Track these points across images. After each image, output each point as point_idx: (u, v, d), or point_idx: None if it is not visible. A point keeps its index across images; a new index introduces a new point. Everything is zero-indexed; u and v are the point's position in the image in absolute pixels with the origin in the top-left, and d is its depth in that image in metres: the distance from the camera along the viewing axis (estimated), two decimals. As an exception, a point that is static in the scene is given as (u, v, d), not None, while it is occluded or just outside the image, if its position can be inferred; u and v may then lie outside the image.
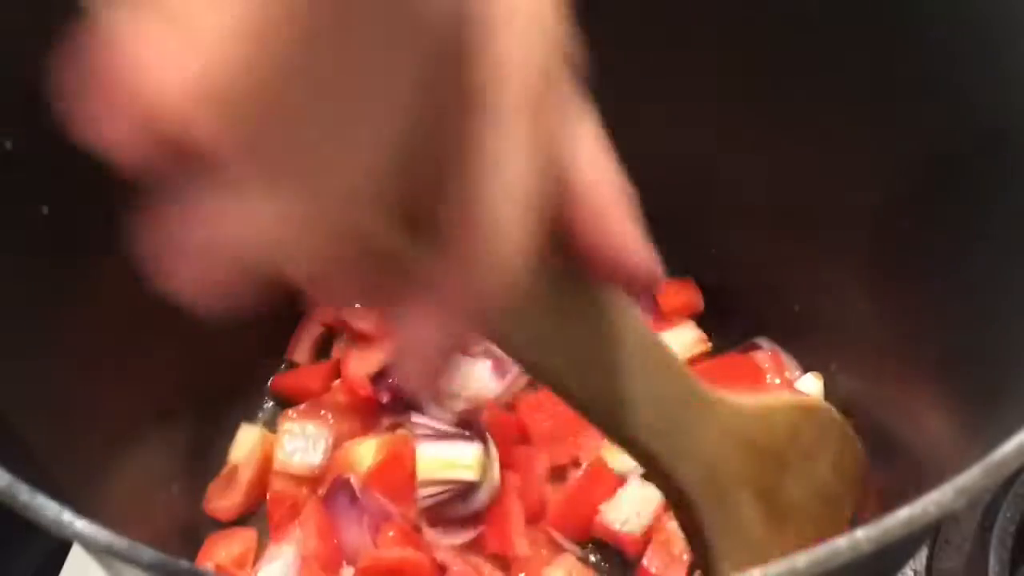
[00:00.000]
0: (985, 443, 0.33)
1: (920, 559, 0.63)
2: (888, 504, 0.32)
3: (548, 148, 0.25)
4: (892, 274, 0.55)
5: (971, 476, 0.32)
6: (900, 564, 0.56)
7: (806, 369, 0.67)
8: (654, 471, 0.39)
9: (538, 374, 0.35)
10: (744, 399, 0.41)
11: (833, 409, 0.49)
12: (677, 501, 0.41)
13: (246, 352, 0.69)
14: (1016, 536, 0.60)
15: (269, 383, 0.71)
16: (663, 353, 0.36)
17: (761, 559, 0.34)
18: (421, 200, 0.23)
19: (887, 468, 0.55)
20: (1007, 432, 0.33)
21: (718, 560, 0.42)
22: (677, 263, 0.68)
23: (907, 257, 0.54)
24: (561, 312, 0.32)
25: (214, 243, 0.21)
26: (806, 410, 0.46)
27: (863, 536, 0.31)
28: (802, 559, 0.31)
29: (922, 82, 0.50)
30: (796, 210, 0.61)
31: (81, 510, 0.33)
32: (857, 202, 0.57)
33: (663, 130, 0.59)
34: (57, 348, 0.48)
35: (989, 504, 0.61)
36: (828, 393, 0.64)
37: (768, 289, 0.67)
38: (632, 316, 0.34)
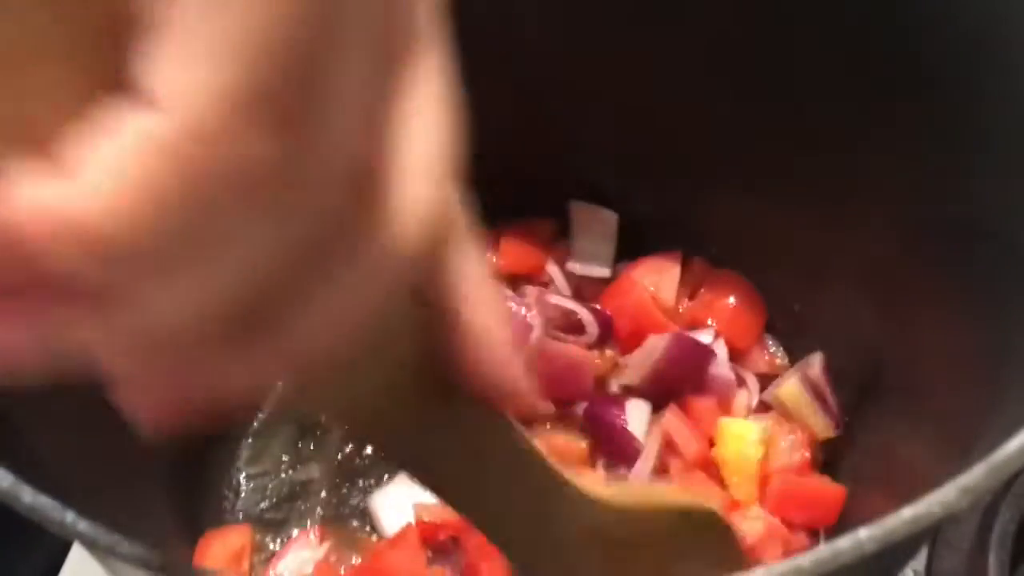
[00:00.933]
0: (988, 442, 0.33)
1: (920, 560, 0.63)
2: (890, 505, 0.32)
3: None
4: (891, 273, 0.56)
5: (975, 475, 0.32)
6: (901, 564, 0.56)
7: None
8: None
9: (417, 477, 0.36)
10: (620, 496, 0.40)
11: (717, 511, 0.47)
12: None
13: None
14: (1016, 537, 0.60)
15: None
16: (532, 460, 0.36)
17: None
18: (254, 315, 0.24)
19: (889, 467, 0.55)
20: (1010, 430, 0.33)
21: None
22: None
23: (907, 257, 0.54)
24: (435, 422, 0.32)
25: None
26: (687, 512, 0.45)
27: (866, 535, 0.31)
28: (806, 559, 0.31)
29: (926, 81, 0.50)
30: (793, 207, 0.61)
31: (82, 511, 0.33)
32: (857, 200, 0.57)
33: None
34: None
35: (989, 505, 0.62)
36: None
37: (768, 288, 0.68)
38: (504, 428, 0.34)
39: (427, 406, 0.31)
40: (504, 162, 0.67)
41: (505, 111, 0.65)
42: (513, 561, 0.41)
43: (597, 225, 0.71)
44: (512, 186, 0.68)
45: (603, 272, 0.70)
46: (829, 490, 0.61)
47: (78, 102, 0.21)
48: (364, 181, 0.24)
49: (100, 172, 0.20)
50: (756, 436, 0.61)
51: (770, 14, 0.56)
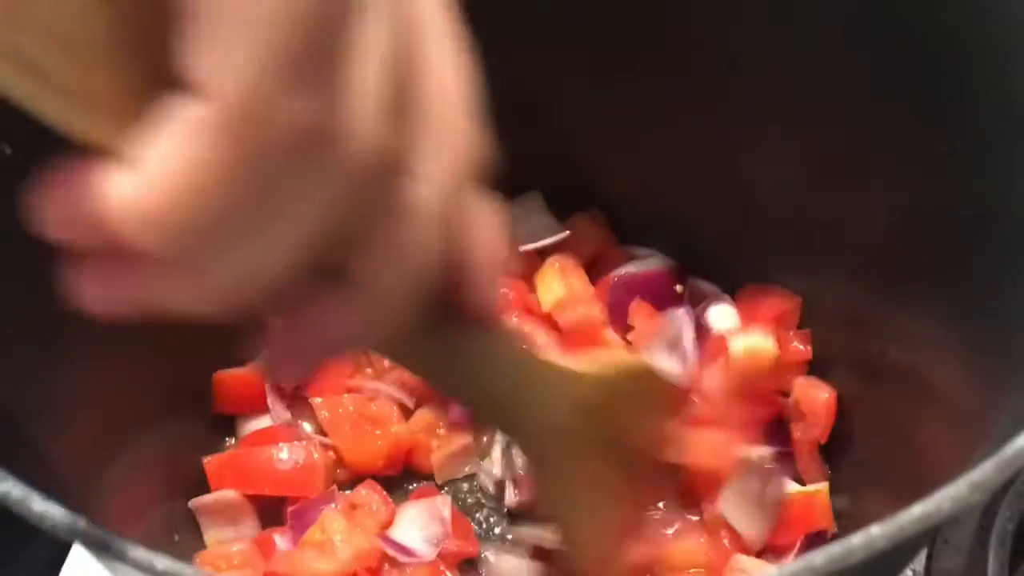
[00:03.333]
0: (994, 437, 0.34)
1: (919, 559, 0.63)
2: (899, 503, 0.32)
3: (443, 239, 0.31)
4: (893, 267, 0.56)
5: (984, 471, 0.32)
6: (905, 563, 0.56)
7: (812, 362, 0.66)
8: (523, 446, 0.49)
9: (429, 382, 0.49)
10: (584, 367, 0.47)
11: (650, 365, 0.56)
12: (539, 473, 0.49)
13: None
14: (1015, 536, 0.60)
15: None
16: (515, 348, 0.44)
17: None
18: (335, 257, 0.29)
19: (892, 465, 0.55)
20: (1016, 425, 0.33)
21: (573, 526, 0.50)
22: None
23: (908, 251, 0.54)
24: (437, 336, 0.38)
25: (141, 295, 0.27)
26: (635, 369, 0.53)
27: (878, 532, 0.31)
28: (819, 556, 0.31)
29: (931, 69, 0.50)
30: (794, 196, 0.62)
31: (84, 511, 0.33)
32: (858, 191, 0.57)
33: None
34: (60, 355, 0.48)
35: (988, 504, 0.62)
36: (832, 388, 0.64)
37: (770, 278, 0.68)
38: (491, 336, 0.40)
39: (431, 321, 0.35)
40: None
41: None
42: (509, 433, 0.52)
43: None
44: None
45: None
46: (810, 496, 0.61)
47: (138, 101, 0.24)
48: (400, 119, 0.28)
49: (157, 162, 0.24)
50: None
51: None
